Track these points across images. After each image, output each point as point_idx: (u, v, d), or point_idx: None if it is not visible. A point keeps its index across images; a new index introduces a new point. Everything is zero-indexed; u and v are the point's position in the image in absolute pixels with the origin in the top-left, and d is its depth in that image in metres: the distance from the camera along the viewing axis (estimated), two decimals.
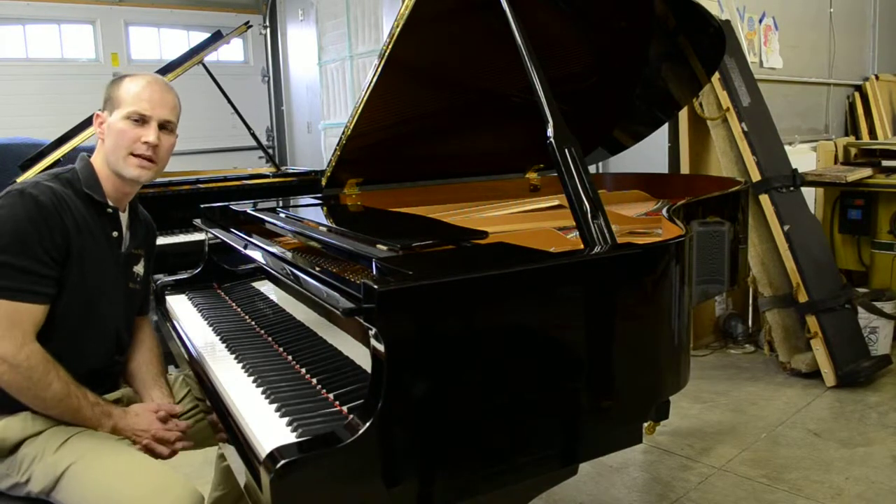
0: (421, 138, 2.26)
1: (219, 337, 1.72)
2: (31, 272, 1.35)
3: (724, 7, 3.92)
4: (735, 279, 2.15)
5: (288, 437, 1.13)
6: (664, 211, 1.80)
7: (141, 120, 1.51)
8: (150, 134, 1.51)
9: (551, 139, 1.43)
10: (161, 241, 3.68)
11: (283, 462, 1.00)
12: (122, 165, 1.51)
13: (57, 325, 1.43)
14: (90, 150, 1.59)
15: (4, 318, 1.32)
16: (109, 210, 1.54)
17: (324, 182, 2.19)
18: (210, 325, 1.82)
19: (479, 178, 2.53)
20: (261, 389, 1.35)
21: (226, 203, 2.20)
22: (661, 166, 3.81)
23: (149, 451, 1.46)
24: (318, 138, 6.35)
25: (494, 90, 2.23)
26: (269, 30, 6.94)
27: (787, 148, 3.75)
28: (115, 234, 1.56)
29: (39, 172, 1.56)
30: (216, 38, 4.09)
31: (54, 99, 5.90)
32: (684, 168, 3.77)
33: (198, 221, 2.20)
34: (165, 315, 2.02)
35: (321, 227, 1.75)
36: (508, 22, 1.54)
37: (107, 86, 1.57)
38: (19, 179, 3.20)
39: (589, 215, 1.38)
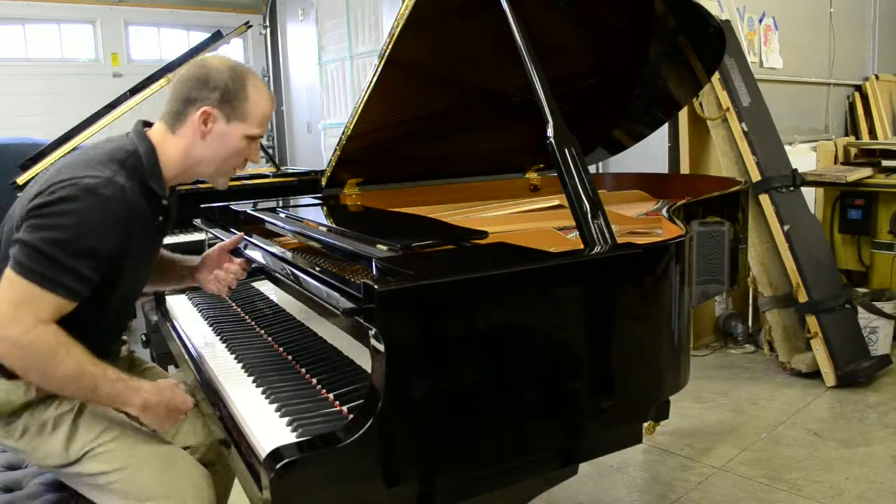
0: (421, 138, 2.26)
1: (219, 337, 1.72)
2: (73, 271, 1.26)
3: (724, 7, 3.92)
4: (735, 279, 2.15)
5: (288, 437, 1.13)
6: (664, 211, 1.80)
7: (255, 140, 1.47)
8: (256, 155, 1.49)
9: (551, 139, 1.43)
10: (162, 240, 3.68)
11: (283, 462, 1.00)
12: (220, 178, 1.48)
13: (99, 304, 1.38)
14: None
15: (22, 301, 1.23)
16: (164, 202, 1.47)
17: (324, 182, 2.19)
18: (210, 325, 1.82)
19: (479, 178, 2.53)
20: (261, 389, 1.35)
21: (226, 203, 2.20)
22: (661, 166, 3.81)
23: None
24: (318, 138, 6.35)
25: (494, 90, 2.23)
26: (269, 30, 6.94)
27: (787, 148, 3.75)
28: (160, 218, 1.50)
29: (98, 145, 1.42)
30: (216, 38, 4.09)
31: (54, 99, 5.90)
32: (684, 168, 3.77)
33: (198, 221, 2.20)
34: (165, 315, 2.02)
35: (321, 227, 1.75)
36: (508, 22, 1.54)
37: (222, 75, 1.40)
38: (27, 176, 3.18)
39: (589, 215, 1.38)
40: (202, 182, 3.98)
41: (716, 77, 3.46)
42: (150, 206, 1.43)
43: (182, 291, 2.14)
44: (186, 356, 1.69)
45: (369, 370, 1.10)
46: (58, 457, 1.38)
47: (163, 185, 1.43)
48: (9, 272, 1.24)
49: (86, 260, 1.27)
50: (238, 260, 1.69)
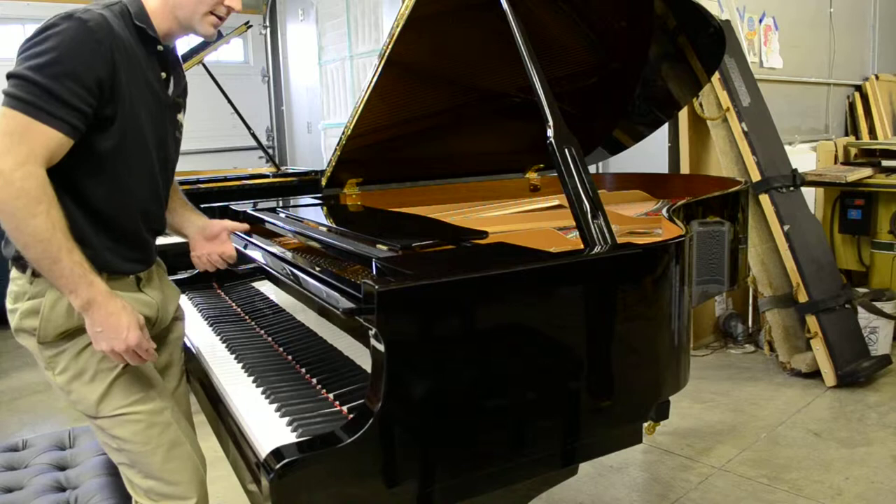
0: (421, 138, 2.26)
1: (219, 337, 1.72)
2: (57, 97, 1.23)
3: (724, 7, 3.92)
4: (735, 279, 2.15)
5: (288, 437, 1.13)
6: (664, 211, 1.80)
7: None
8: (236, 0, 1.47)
9: (551, 139, 1.43)
10: (161, 241, 3.69)
11: (283, 462, 1.00)
12: (197, 21, 1.44)
13: (107, 166, 1.35)
14: None
15: (14, 132, 1.21)
16: (160, 48, 1.43)
17: (324, 182, 2.19)
18: (210, 325, 1.82)
19: (479, 178, 2.53)
20: (261, 389, 1.35)
21: (226, 203, 2.20)
22: (661, 166, 3.81)
23: (110, 354, 1.32)
24: (318, 138, 6.35)
25: (495, 90, 2.23)
26: (269, 30, 6.94)
27: (787, 148, 3.75)
28: (163, 74, 1.46)
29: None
30: (216, 37, 4.09)
31: None
32: (684, 168, 3.77)
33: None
34: None
35: (321, 227, 1.75)
36: (508, 22, 1.54)
37: None
38: None
39: (589, 215, 1.38)
40: (202, 182, 3.99)
41: (716, 77, 3.47)
42: (146, 50, 1.40)
43: (182, 291, 2.13)
44: (186, 356, 1.69)
45: (369, 370, 1.10)
46: (88, 407, 1.39)
47: (153, 27, 1.41)
48: (1, 107, 1.23)
49: (70, 84, 1.24)
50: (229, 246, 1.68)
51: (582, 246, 1.37)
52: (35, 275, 1.35)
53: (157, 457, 1.40)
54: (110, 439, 1.41)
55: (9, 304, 1.40)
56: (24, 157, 1.20)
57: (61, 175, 1.28)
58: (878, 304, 3.53)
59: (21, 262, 1.35)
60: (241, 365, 1.50)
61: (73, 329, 1.36)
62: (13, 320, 1.39)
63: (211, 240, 1.67)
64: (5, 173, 1.19)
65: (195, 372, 1.63)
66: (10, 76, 1.24)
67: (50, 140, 1.24)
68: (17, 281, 1.38)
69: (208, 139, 6.31)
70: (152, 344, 1.36)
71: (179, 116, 1.56)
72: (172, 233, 1.72)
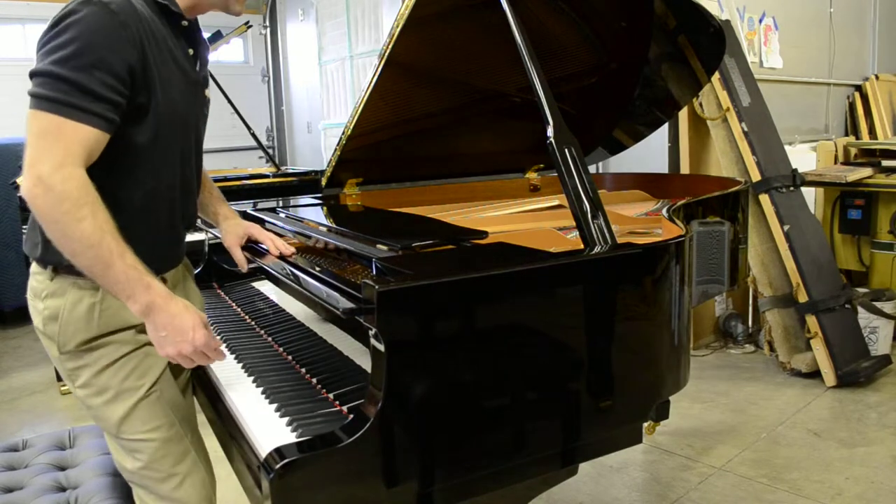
0: (421, 138, 2.26)
1: (218, 337, 1.72)
2: (88, 91, 1.15)
3: (724, 7, 3.92)
4: (735, 279, 2.15)
5: (288, 437, 1.13)
6: (664, 211, 1.80)
7: None
8: None
9: (551, 139, 1.43)
10: None
11: (282, 462, 1.00)
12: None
13: (143, 159, 1.29)
14: None
15: (47, 133, 1.15)
16: (185, 23, 1.37)
17: (324, 182, 2.19)
18: (210, 326, 1.82)
19: (479, 178, 2.53)
20: (261, 389, 1.35)
21: None
22: (661, 166, 3.81)
23: (176, 357, 1.25)
24: (318, 138, 6.34)
25: (495, 90, 2.23)
26: (269, 30, 6.94)
27: (787, 148, 3.75)
28: (191, 51, 1.39)
29: None
30: (216, 37, 4.10)
31: None
32: (684, 168, 3.77)
33: (198, 221, 2.20)
34: None
35: (321, 227, 1.75)
36: (508, 22, 1.54)
37: None
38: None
39: (589, 215, 1.38)
40: None
41: (716, 77, 3.47)
42: (171, 28, 1.34)
43: None
44: None
45: (369, 370, 1.10)
46: (108, 426, 1.36)
47: (176, 2, 1.34)
48: (29, 109, 1.16)
49: (99, 74, 1.16)
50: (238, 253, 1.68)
51: (582, 246, 1.38)
52: (56, 272, 1.30)
53: (168, 484, 1.37)
54: (125, 459, 1.38)
55: (29, 299, 1.37)
56: (60, 159, 1.14)
57: (96, 172, 1.21)
58: (878, 304, 3.53)
59: (42, 259, 1.31)
60: (240, 365, 1.50)
61: (93, 339, 1.31)
62: (37, 319, 1.36)
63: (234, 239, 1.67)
64: (44, 178, 1.12)
65: (195, 372, 1.63)
66: (33, 74, 1.17)
67: (86, 138, 1.16)
68: (36, 276, 1.34)
69: (208, 139, 6.23)
70: (219, 342, 1.30)
71: (206, 91, 1.50)
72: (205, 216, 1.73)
